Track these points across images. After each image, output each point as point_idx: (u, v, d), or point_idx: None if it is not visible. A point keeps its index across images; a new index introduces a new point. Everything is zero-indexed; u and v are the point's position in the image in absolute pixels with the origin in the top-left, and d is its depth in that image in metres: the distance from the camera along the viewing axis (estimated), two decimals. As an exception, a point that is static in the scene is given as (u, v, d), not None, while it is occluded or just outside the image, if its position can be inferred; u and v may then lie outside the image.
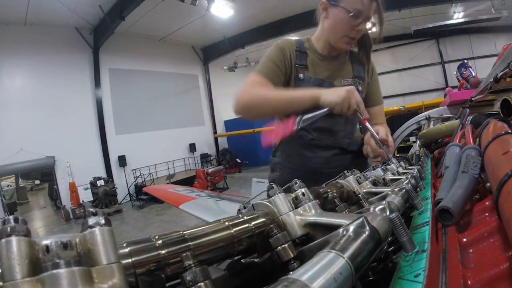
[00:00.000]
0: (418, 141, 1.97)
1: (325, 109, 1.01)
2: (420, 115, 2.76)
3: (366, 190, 0.63)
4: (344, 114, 1.03)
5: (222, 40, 12.25)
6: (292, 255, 0.34)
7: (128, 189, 10.11)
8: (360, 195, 0.59)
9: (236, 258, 0.39)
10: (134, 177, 10.13)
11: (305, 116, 1.03)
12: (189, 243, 0.29)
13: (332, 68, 1.27)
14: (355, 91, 1.02)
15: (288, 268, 0.34)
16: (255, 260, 0.38)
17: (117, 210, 8.79)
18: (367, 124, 1.03)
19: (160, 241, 0.27)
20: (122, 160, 10.21)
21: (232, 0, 9.10)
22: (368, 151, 1.11)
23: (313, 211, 0.40)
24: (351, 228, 0.30)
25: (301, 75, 1.22)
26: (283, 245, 0.34)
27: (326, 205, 0.51)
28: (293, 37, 1.36)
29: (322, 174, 1.21)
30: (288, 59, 1.22)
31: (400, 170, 0.95)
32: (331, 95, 1.01)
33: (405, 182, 0.60)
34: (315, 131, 1.24)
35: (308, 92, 1.08)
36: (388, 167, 0.90)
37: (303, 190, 0.43)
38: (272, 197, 0.40)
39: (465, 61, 4.96)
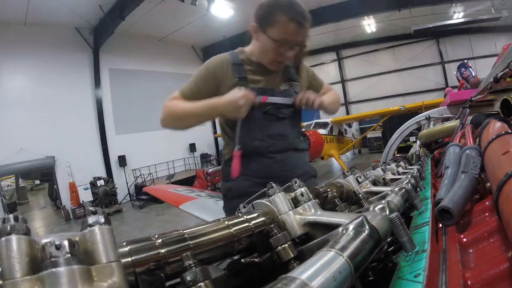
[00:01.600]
0: (418, 141, 1.97)
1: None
2: (420, 115, 2.76)
3: (366, 189, 0.63)
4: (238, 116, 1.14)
5: (222, 40, 12.25)
6: (292, 255, 0.34)
7: (128, 189, 10.10)
8: (360, 195, 0.59)
9: (236, 257, 0.39)
10: (134, 177, 10.12)
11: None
12: (188, 242, 0.29)
13: (268, 77, 1.30)
14: (245, 93, 1.11)
15: (288, 268, 0.34)
16: (255, 259, 0.38)
17: (117, 210, 8.79)
18: (268, 97, 1.20)
19: (160, 240, 0.27)
20: (122, 160, 10.21)
21: (232, 0, 9.11)
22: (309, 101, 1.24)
23: (312, 210, 0.40)
24: (351, 227, 0.30)
25: (242, 88, 1.23)
26: (283, 245, 0.34)
27: (326, 205, 0.51)
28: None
29: (277, 176, 1.18)
30: (219, 78, 1.25)
31: (400, 170, 0.95)
32: (225, 101, 1.12)
33: (405, 182, 0.60)
34: (270, 138, 1.27)
35: (205, 104, 1.18)
36: (388, 166, 0.90)
37: (302, 189, 0.43)
38: (272, 197, 0.40)
39: (465, 61, 4.97)
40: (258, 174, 1.27)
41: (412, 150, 2.14)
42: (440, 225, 0.50)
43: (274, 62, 1.24)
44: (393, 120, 11.79)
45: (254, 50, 1.29)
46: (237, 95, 1.09)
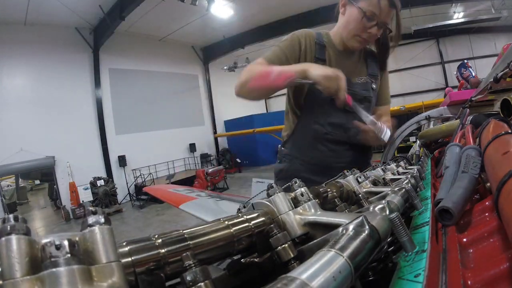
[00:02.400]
0: (418, 141, 1.98)
1: (311, 81, 1.06)
2: (420, 115, 2.76)
3: (366, 189, 0.63)
4: (328, 93, 1.06)
5: (222, 40, 12.26)
6: (292, 255, 0.34)
7: (128, 189, 10.10)
8: (360, 195, 0.59)
9: (236, 257, 0.39)
10: (134, 177, 10.12)
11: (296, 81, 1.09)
12: (188, 242, 0.29)
13: (348, 65, 1.26)
14: (343, 77, 1.05)
15: (288, 268, 0.34)
16: (255, 259, 0.38)
17: (117, 210, 8.79)
18: (353, 103, 1.10)
19: (159, 240, 0.27)
20: (122, 160, 10.20)
21: (232, 0, 9.11)
22: (368, 137, 1.17)
23: (312, 210, 0.40)
24: (351, 227, 0.30)
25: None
26: (283, 245, 0.34)
27: (326, 205, 0.51)
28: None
29: (332, 168, 1.21)
30: (303, 50, 1.22)
31: (400, 170, 0.95)
32: (319, 70, 1.05)
33: (405, 182, 0.60)
34: (330, 125, 1.26)
35: (298, 66, 1.12)
36: (388, 166, 0.90)
37: (302, 189, 0.43)
38: (272, 196, 0.40)
39: (465, 61, 4.97)
40: (311, 160, 1.30)
41: (412, 150, 2.14)
42: (440, 225, 0.50)
43: (355, 37, 1.19)
44: (393, 120, 11.78)
45: (337, 31, 1.27)
46: (331, 72, 1.04)
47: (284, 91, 1.35)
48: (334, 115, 1.24)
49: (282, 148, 1.42)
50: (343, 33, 1.22)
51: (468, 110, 1.46)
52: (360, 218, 0.31)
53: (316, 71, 1.04)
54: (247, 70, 1.19)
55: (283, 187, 0.44)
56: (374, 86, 1.31)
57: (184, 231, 0.30)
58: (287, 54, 1.22)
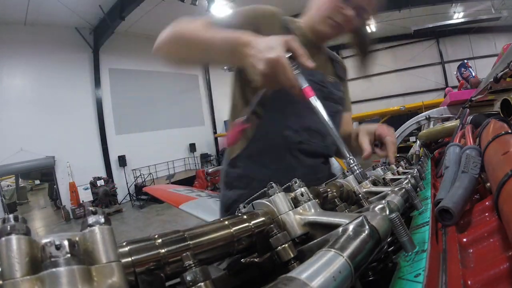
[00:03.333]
0: (418, 141, 1.98)
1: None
2: (420, 115, 2.77)
3: (366, 189, 0.63)
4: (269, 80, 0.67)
5: (222, 40, 12.25)
6: (292, 255, 0.34)
7: (128, 189, 10.10)
8: (360, 195, 0.59)
9: (236, 257, 0.39)
10: (134, 177, 10.13)
11: None
12: (188, 242, 0.29)
13: (318, 60, 0.99)
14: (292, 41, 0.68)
15: (288, 268, 0.34)
16: (255, 259, 0.38)
17: (117, 210, 8.79)
18: (317, 103, 0.69)
19: (160, 240, 0.27)
20: (122, 160, 10.21)
21: (232, 0, 9.11)
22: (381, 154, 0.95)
23: (312, 210, 0.40)
24: (351, 227, 0.30)
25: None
26: (283, 245, 0.34)
27: (326, 205, 0.51)
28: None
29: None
30: (262, 27, 0.90)
31: (400, 170, 0.95)
32: (263, 43, 0.68)
33: (405, 182, 0.60)
34: (305, 130, 0.99)
35: (235, 35, 0.74)
36: (388, 166, 0.90)
37: (302, 189, 0.43)
38: (272, 196, 0.40)
39: (465, 61, 4.97)
40: (281, 180, 0.78)
41: (412, 150, 2.14)
42: (440, 225, 0.50)
43: (327, 20, 0.96)
44: (393, 120, 11.79)
45: (307, 18, 1.04)
46: (276, 43, 0.66)
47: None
48: (310, 118, 0.92)
49: (232, 169, 1.03)
50: (314, 16, 1.00)
51: (468, 110, 1.46)
52: (360, 218, 0.31)
53: (261, 44, 0.68)
54: (173, 24, 0.88)
55: (283, 187, 0.44)
56: (342, 88, 1.14)
57: (184, 231, 0.30)
58: (234, 24, 0.89)
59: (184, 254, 0.27)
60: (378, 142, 0.97)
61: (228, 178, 1.05)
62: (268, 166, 0.98)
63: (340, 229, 0.31)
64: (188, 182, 9.53)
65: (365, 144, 0.93)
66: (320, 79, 1.02)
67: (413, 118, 2.76)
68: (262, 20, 0.94)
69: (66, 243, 0.18)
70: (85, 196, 8.70)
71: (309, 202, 0.41)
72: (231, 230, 0.33)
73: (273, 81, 0.67)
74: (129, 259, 0.25)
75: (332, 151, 1.09)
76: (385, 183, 0.76)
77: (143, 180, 9.99)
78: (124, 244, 0.26)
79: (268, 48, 0.66)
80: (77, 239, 0.20)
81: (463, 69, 4.68)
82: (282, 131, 0.97)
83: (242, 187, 1.00)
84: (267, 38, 0.68)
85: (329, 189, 0.54)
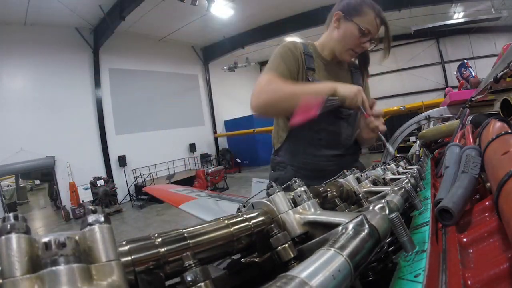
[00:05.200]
0: (418, 141, 1.97)
1: (337, 99, 1.09)
2: (420, 115, 2.76)
3: (365, 189, 0.63)
4: (352, 108, 1.14)
5: (222, 40, 12.25)
6: (292, 255, 0.34)
7: (128, 189, 10.10)
8: (360, 195, 0.59)
9: (236, 257, 0.39)
10: (134, 177, 10.12)
11: (327, 103, 1.08)
12: (188, 241, 0.29)
13: (334, 75, 1.32)
14: (362, 90, 1.10)
15: (288, 268, 0.34)
16: (255, 259, 0.38)
17: (117, 210, 8.79)
18: (371, 118, 1.13)
19: (159, 239, 0.27)
20: (122, 160, 10.21)
21: (232, 0, 9.11)
22: (364, 133, 1.25)
23: (312, 210, 0.40)
24: (350, 226, 0.30)
25: (310, 78, 1.26)
26: (283, 245, 0.34)
27: (326, 204, 0.51)
28: (293, 37, 1.42)
29: (326, 171, 1.24)
30: (297, 61, 1.26)
31: (400, 170, 0.95)
32: (345, 88, 1.10)
33: (405, 181, 0.60)
34: (323, 132, 1.30)
35: (325, 85, 1.14)
36: (388, 166, 0.90)
37: (302, 188, 0.43)
38: (272, 196, 0.40)
39: (465, 61, 4.97)
40: (305, 166, 1.32)
41: (412, 150, 2.14)
42: (440, 225, 0.50)
43: (349, 51, 1.25)
44: (393, 120, 11.78)
45: (327, 43, 1.32)
46: (360, 89, 1.10)
47: None
48: (327, 121, 1.27)
49: (275, 157, 1.42)
50: (337, 47, 1.27)
51: (468, 110, 1.46)
52: (360, 217, 0.31)
53: (344, 88, 1.09)
54: (264, 88, 1.17)
55: (282, 186, 0.44)
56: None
57: (184, 231, 0.30)
58: (289, 65, 1.23)
59: (184, 254, 0.27)
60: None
61: (273, 163, 1.44)
62: (298, 155, 1.33)
63: (340, 228, 0.31)
64: (188, 182, 9.53)
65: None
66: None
67: (413, 118, 2.76)
68: (296, 52, 1.25)
69: (66, 241, 0.18)
70: (85, 196, 8.69)
71: (308, 202, 0.41)
72: (231, 230, 0.33)
73: (358, 103, 1.09)
74: (129, 258, 0.25)
75: (346, 145, 1.36)
76: (385, 183, 0.76)
77: (143, 180, 9.99)
78: (124, 243, 0.26)
79: (353, 88, 1.10)
80: (77, 238, 0.20)
81: (463, 69, 4.68)
82: (306, 132, 1.28)
83: (281, 169, 1.38)
84: (346, 84, 1.13)
85: (328, 189, 0.54)
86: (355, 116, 1.35)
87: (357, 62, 1.44)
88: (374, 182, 0.70)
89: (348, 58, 1.29)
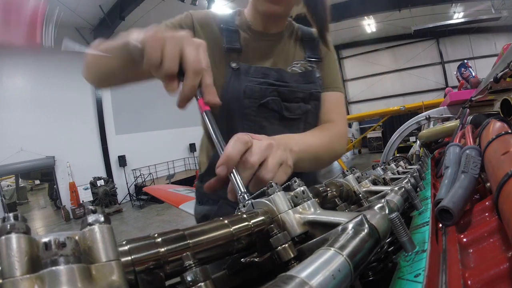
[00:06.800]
0: (418, 141, 1.98)
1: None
2: (420, 115, 2.77)
3: (365, 189, 0.63)
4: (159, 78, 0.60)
5: (222, 40, 12.25)
6: (292, 255, 0.34)
7: (128, 189, 10.11)
8: (360, 194, 0.59)
9: (236, 257, 0.39)
10: (134, 177, 10.13)
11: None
12: (188, 241, 0.29)
13: (274, 50, 0.91)
14: (192, 40, 0.59)
15: (288, 268, 0.34)
16: (255, 259, 0.38)
17: (117, 210, 8.80)
18: (206, 115, 0.64)
19: (159, 239, 0.27)
20: (122, 160, 10.22)
21: (232, 0, 9.11)
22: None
23: (312, 209, 0.40)
24: (350, 226, 0.30)
25: (234, 64, 0.85)
26: (284, 245, 0.34)
27: (325, 204, 0.51)
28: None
29: None
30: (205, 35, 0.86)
31: (400, 169, 0.95)
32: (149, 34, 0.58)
33: (405, 181, 0.60)
34: None
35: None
36: (388, 166, 0.90)
37: (302, 188, 0.43)
38: (271, 196, 0.40)
39: (465, 61, 4.97)
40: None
41: (412, 150, 2.14)
42: (440, 225, 0.50)
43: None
44: (393, 120, 11.80)
45: (249, 5, 0.93)
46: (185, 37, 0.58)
47: None
48: (269, 131, 0.78)
49: (201, 185, 0.97)
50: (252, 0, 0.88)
51: (468, 110, 1.46)
52: (360, 217, 0.31)
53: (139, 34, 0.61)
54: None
55: (282, 186, 0.44)
56: (317, 74, 0.94)
57: (183, 230, 0.30)
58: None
59: (184, 254, 0.27)
60: None
61: (197, 192, 1.01)
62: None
63: (340, 228, 0.31)
64: (188, 182, 9.53)
65: None
66: (277, 77, 0.86)
67: (413, 118, 2.77)
68: (196, 24, 0.89)
69: (65, 241, 0.18)
70: (85, 196, 8.70)
71: (308, 201, 0.41)
72: (231, 229, 0.33)
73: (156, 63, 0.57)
74: (129, 258, 0.25)
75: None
76: (385, 182, 0.76)
77: (143, 180, 10.00)
78: (123, 242, 0.26)
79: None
80: (76, 237, 0.20)
81: (463, 69, 4.68)
82: None
83: (211, 203, 0.95)
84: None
85: (328, 188, 0.54)
86: (315, 111, 0.93)
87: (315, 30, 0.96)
88: (374, 182, 0.70)
89: (265, 6, 0.83)
